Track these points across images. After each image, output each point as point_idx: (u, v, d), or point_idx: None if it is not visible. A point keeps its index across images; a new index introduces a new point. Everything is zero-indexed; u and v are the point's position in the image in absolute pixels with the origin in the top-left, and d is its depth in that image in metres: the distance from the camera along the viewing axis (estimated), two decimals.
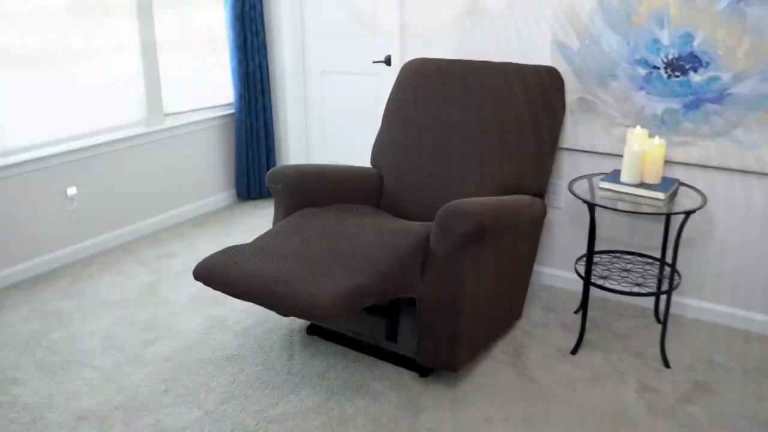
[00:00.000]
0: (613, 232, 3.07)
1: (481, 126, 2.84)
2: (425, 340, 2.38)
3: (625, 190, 2.58)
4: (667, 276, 2.78)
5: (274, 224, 2.79)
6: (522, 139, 2.75)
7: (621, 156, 2.95)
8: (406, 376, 2.53)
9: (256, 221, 4.24)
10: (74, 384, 2.50)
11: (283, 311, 2.07)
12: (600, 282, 2.72)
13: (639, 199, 2.52)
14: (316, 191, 2.80)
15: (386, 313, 2.54)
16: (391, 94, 3.15)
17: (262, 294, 2.11)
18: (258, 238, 2.51)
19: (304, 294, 2.04)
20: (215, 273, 2.26)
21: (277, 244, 2.41)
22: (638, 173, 2.57)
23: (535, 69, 2.83)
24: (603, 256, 3.02)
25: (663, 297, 2.97)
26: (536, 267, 3.32)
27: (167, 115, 4.08)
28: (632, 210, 2.43)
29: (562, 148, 3.10)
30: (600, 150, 2.99)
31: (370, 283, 2.14)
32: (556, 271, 3.26)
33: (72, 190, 3.57)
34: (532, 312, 3.02)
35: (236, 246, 2.43)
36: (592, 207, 2.55)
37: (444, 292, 2.29)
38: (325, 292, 2.04)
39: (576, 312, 3.01)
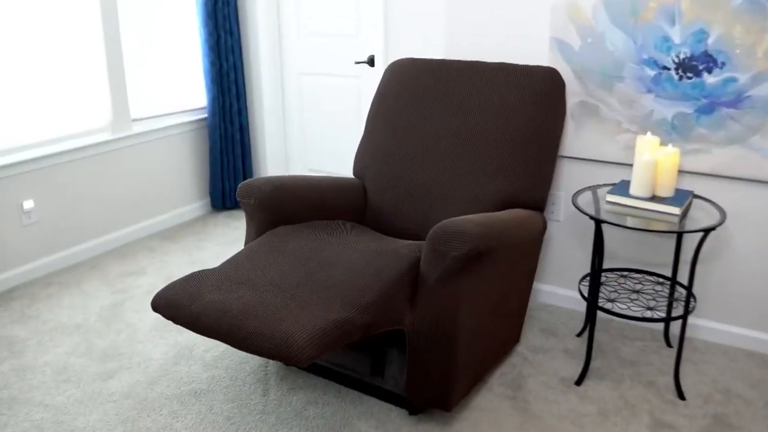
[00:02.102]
0: (617, 247, 2.82)
1: (473, 132, 2.58)
2: (415, 376, 2.12)
3: (635, 204, 2.33)
4: (680, 298, 2.54)
5: (245, 244, 2.51)
6: (519, 147, 2.50)
7: (627, 165, 2.71)
8: (395, 413, 2.27)
9: (232, 233, 3.96)
10: (20, 427, 2.21)
11: (252, 351, 1.79)
12: (608, 306, 2.47)
13: (651, 215, 2.27)
14: (293, 206, 2.52)
15: (371, 345, 2.27)
16: (375, 97, 2.89)
17: (226, 331, 1.83)
18: (226, 262, 2.23)
19: (275, 332, 1.77)
20: (175, 305, 1.98)
21: (247, 269, 2.13)
22: (649, 185, 2.32)
23: (533, 70, 2.57)
24: (609, 274, 2.77)
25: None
26: (533, 284, 3.07)
27: (134, 120, 3.80)
28: (644, 227, 2.17)
29: (563, 157, 2.85)
30: (604, 158, 2.74)
31: (353, 316, 1.87)
32: (555, 289, 3.01)
33: (29, 204, 3.27)
34: (531, 335, 2.77)
35: (201, 272, 2.15)
36: (598, 223, 2.30)
37: (436, 323, 2.03)
38: (300, 329, 1.77)
39: (579, 335, 2.76)
